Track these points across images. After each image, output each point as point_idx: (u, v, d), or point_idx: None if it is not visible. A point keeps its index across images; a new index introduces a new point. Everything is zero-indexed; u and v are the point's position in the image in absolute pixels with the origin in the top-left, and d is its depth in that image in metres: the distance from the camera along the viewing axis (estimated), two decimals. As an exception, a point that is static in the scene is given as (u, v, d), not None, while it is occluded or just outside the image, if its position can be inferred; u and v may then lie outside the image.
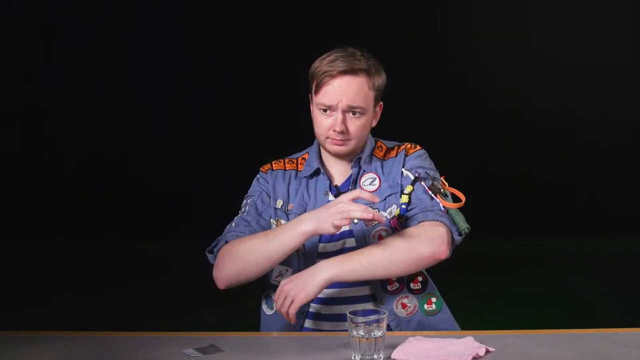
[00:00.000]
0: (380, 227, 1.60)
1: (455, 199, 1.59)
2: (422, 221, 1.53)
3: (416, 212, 1.56)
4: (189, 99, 5.87)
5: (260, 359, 1.35)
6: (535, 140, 5.75)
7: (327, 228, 1.45)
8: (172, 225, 5.70)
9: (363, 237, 1.60)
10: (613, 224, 5.65)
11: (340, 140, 1.60)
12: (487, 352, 1.32)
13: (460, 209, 1.56)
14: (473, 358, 1.28)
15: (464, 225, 1.53)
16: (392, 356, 1.30)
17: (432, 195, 1.57)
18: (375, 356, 1.26)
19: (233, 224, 1.68)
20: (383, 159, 1.69)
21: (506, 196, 5.68)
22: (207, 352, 1.36)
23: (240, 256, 1.56)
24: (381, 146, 1.72)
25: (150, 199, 5.79)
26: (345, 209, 1.43)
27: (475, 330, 1.45)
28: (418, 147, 1.70)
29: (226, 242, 1.63)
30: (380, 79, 1.61)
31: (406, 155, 1.67)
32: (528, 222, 5.66)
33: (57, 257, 5.36)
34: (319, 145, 1.71)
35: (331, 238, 1.62)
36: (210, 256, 1.66)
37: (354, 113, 1.58)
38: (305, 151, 1.76)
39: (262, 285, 1.70)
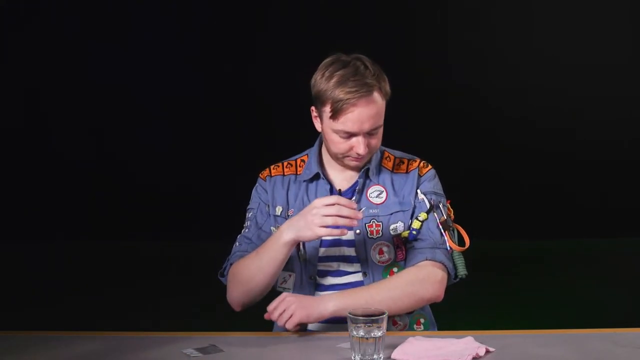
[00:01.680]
0: (381, 242, 1.60)
1: (460, 239, 1.60)
2: (428, 259, 1.55)
3: (424, 245, 1.57)
4: (191, 99, 5.87)
5: (260, 359, 1.35)
6: (536, 140, 5.75)
7: (309, 235, 1.46)
8: (172, 226, 5.70)
9: (364, 247, 1.60)
10: (613, 224, 5.65)
11: (361, 158, 1.59)
12: (487, 352, 1.32)
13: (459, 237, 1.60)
14: (473, 358, 1.28)
15: (462, 271, 1.57)
16: (392, 356, 1.30)
17: (442, 231, 1.58)
18: (375, 356, 1.26)
19: (237, 243, 1.68)
20: (392, 171, 1.67)
21: (506, 196, 5.68)
22: (207, 352, 1.36)
23: (241, 279, 1.58)
24: (389, 156, 1.70)
25: (151, 199, 5.79)
26: (321, 212, 1.43)
27: (475, 330, 1.45)
28: (430, 167, 1.68)
29: (231, 264, 1.64)
30: (387, 83, 1.57)
31: (420, 176, 1.65)
32: (528, 222, 5.66)
33: (57, 257, 5.36)
34: (319, 148, 1.70)
35: (332, 243, 1.62)
36: (222, 279, 1.67)
37: (373, 132, 1.56)
38: (304, 153, 1.75)
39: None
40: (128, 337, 1.49)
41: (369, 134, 1.55)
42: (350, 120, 1.52)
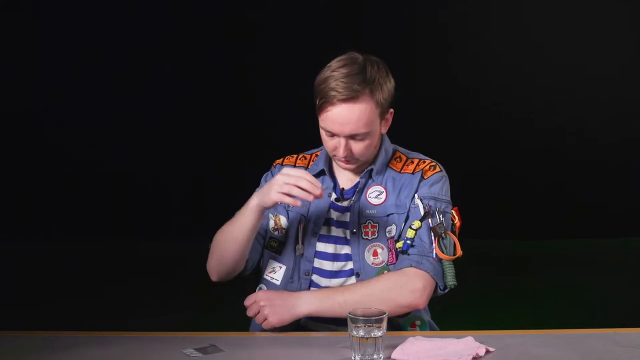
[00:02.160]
0: (376, 243, 1.58)
1: (453, 248, 1.56)
2: (413, 266, 1.52)
3: (413, 252, 1.54)
4: (192, 99, 5.86)
5: (260, 359, 1.35)
6: (537, 140, 5.74)
7: (268, 199, 1.50)
8: (173, 225, 5.70)
9: (358, 248, 1.59)
10: (613, 224, 5.65)
11: (345, 160, 1.58)
12: (487, 352, 1.32)
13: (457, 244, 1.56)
14: (473, 358, 1.29)
15: (451, 281, 1.53)
16: (392, 356, 1.30)
17: (433, 238, 1.54)
18: (375, 356, 1.26)
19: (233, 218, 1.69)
20: (399, 172, 1.64)
21: (507, 196, 5.68)
22: (207, 352, 1.36)
23: (216, 245, 1.63)
24: (400, 157, 1.67)
25: (151, 198, 5.79)
26: (285, 180, 1.47)
27: (475, 330, 1.45)
28: (437, 169, 1.62)
29: None
30: (385, 92, 1.54)
31: (423, 178, 1.60)
32: (529, 222, 5.66)
33: (56, 256, 5.36)
34: None
35: (327, 240, 1.62)
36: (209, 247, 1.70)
37: (357, 138, 1.54)
38: (320, 148, 1.74)
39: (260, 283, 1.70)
40: (128, 337, 1.49)
41: (352, 138, 1.53)
42: (330, 120, 1.52)
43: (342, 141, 1.53)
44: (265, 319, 1.48)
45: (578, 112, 5.71)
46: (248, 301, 1.53)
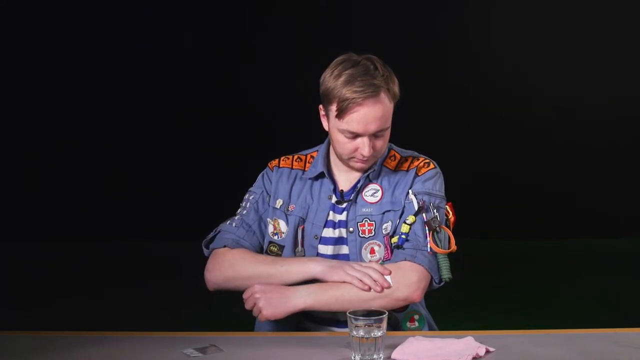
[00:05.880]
0: (373, 241, 1.60)
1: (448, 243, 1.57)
2: (407, 260, 1.53)
3: (407, 246, 1.55)
4: (193, 98, 5.86)
5: (260, 359, 1.35)
6: (536, 142, 5.74)
7: (334, 276, 1.50)
8: (172, 225, 5.69)
9: (355, 247, 1.60)
10: (613, 224, 5.65)
11: (366, 160, 1.58)
12: (487, 352, 1.32)
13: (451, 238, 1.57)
14: (473, 358, 1.29)
15: (447, 274, 1.54)
16: (392, 356, 1.30)
17: (427, 232, 1.55)
18: (375, 356, 1.26)
19: (233, 224, 1.68)
20: (394, 170, 1.65)
21: (507, 197, 5.68)
22: (207, 352, 1.36)
23: (243, 275, 1.58)
24: (394, 155, 1.68)
25: (151, 199, 5.79)
26: (356, 266, 1.49)
27: (475, 330, 1.45)
28: (431, 166, 1.65)
29: (224, 246, 1.63)
30: (396, 85, 1.56)
31: (417, 175, 1.63)
32: (529, 222, 5.66)
33: (57, 257, 5.36)
34: (328, 147, 1.69)
35: (327, 242, 1.62)
36: (205, 250, 1.67)
37: (379, 134, 1.55)
38: (315, 149, 1.74)
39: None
40: (127, 337, 1.49)
41: (374, 135, 1.54)
42: (355, 121, 1.51)
43: (366, 140, 1.54)
44: (260, 311, 1.48)
45: (578, 113, 5.71)
46: (246, 294, 1.53)
